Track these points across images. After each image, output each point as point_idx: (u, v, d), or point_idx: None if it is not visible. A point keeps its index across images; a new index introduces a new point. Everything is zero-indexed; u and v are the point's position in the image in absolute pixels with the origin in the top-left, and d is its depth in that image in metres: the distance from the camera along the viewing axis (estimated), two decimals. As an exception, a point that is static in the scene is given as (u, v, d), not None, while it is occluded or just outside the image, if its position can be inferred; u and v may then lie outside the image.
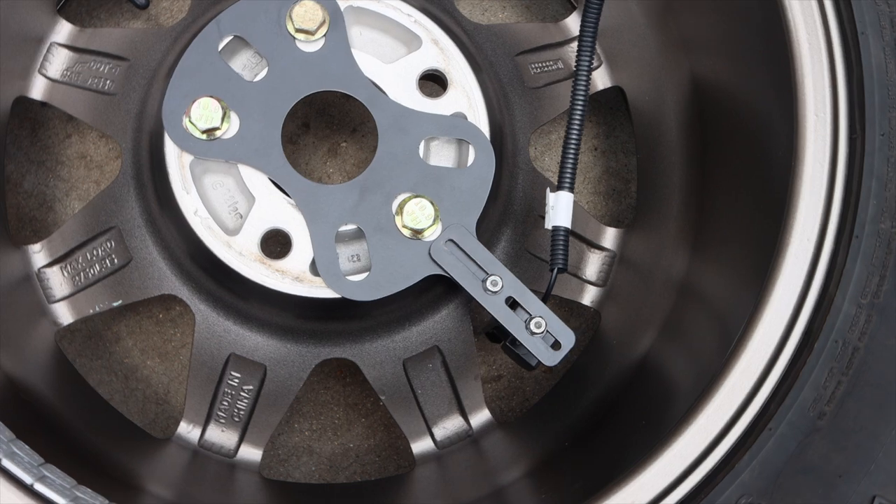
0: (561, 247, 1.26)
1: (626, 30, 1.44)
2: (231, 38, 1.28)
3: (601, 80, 1.48)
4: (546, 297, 1.27)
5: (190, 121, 1.24)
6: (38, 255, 1.39)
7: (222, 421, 1.38)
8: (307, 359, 1.37)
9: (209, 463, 1.37)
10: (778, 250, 1.06)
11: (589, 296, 1.46)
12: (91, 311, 1.38)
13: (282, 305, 1.31)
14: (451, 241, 1.25)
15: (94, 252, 1.38)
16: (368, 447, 1.55)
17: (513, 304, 1.24)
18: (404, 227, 1.25)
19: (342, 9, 1.29)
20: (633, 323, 1.39)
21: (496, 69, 1.42)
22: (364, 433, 1.56)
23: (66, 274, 1.38)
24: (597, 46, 1.44)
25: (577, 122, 1.27)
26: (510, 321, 1.23)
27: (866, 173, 1.04)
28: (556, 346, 1.23)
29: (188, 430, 1.38)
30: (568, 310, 1.56)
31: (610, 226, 1.48)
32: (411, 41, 1.35)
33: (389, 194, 1.27)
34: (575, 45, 1.33)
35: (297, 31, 1.27)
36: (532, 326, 1.23)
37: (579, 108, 1.27)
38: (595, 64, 1.45)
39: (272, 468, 1.53)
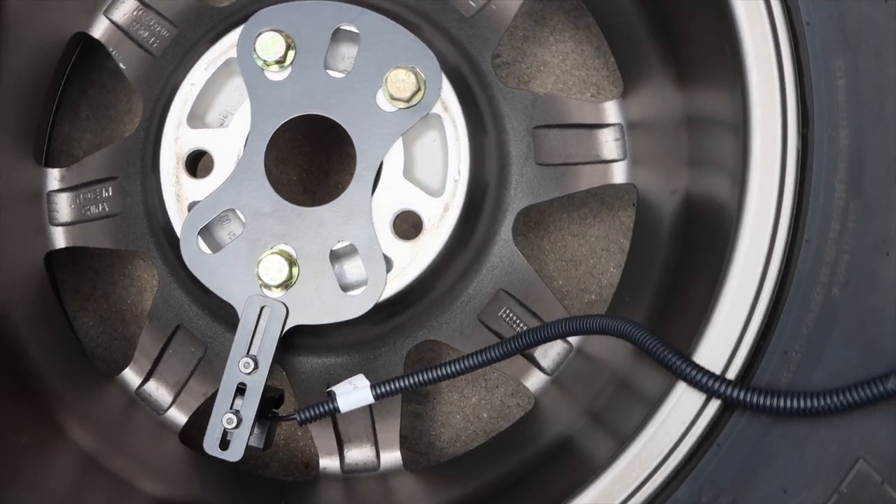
0: (319, 410, 1.25)
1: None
2: (352, 29, 1.32)
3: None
4: (263, 414, 1.28)
5: (255, 43, 1.30)
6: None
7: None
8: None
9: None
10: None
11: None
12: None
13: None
14: (266, 308, 1.28)
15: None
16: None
17: (240, 392, 1.26)
18: (259, 263, 1.29)
19: (432, 110, 1.31)
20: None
21: (475, 282, 1.43)
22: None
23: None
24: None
25: (428, 375, 1.23)
26: (222, 398, 1.26)
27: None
28: (224, 445, 1.25)
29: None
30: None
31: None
32: (439, 188, 1.35)
33: (283, 235, 1.31)
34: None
35: (385, 86, 1.30)
36: (225, 419, 1.25)
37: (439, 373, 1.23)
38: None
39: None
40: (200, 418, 1.38)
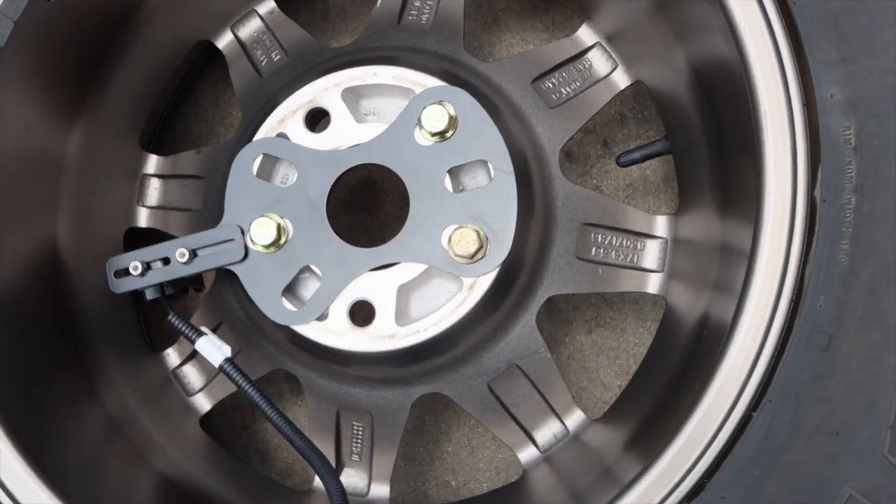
0: (183, 329, 1.44)
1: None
2: (492, 170, 1.40)
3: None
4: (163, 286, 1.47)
5: (427, 106, 1.40)
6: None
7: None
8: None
9: None
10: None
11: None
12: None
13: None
14: (234, 242, 1.43)
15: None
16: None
17: (166, 262, 1.44)
18: (262, 216, 1.42)
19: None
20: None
21: (358, 395, 1.55)
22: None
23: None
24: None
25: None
26: (150, 252, 1.45)
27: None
28: (118, 275, 1.46)
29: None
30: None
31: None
32: (409, 320, 1.44)
33: (296, 221, 1.42)
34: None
35: (457, 229, 1.39)
36: (133, 265, 1.45)
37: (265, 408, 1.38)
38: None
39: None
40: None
